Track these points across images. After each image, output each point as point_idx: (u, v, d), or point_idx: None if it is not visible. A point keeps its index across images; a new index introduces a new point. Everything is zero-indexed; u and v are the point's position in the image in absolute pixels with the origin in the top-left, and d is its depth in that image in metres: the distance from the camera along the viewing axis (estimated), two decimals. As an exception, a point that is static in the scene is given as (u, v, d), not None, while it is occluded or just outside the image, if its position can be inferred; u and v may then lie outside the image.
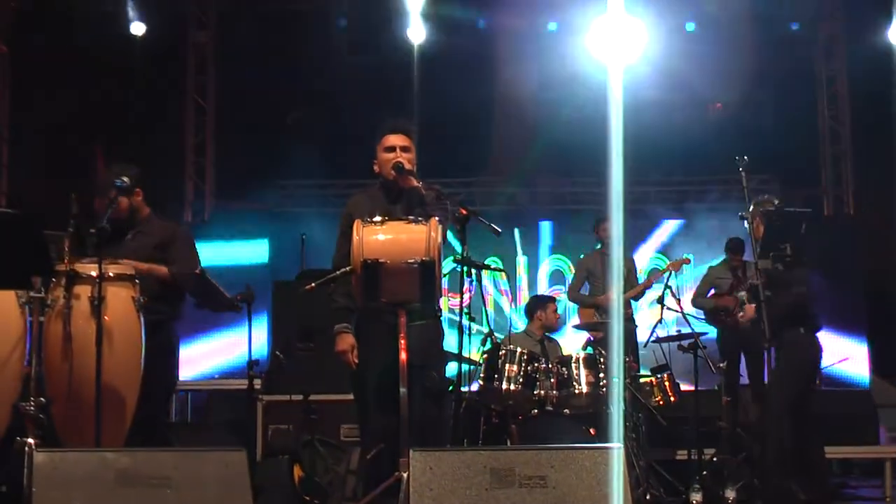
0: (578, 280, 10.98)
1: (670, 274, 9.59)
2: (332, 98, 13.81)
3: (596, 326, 9.91)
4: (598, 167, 13.17)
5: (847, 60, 14.34)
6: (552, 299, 10.04)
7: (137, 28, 13.54)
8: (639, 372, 8.78)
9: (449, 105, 13.31)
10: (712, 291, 10.83)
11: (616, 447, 5.14)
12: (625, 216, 9.41)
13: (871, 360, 12.96)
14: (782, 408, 7.42)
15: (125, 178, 6.90)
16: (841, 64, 14.41)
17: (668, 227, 13.99)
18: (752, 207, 7.44)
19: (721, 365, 9.07)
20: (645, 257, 13.53)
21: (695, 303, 10.75)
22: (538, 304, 9.69)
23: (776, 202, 7.44)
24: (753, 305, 7.45)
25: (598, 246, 10.84)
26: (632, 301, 10.53)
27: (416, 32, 13.54)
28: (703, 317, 10.56)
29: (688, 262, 11.33)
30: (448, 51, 13.65)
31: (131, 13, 13.42)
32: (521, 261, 14.07)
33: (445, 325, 6.46)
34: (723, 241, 10.91)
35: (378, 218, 5.64)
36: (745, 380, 10.32)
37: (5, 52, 13.86)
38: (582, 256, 11.44)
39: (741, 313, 8.88)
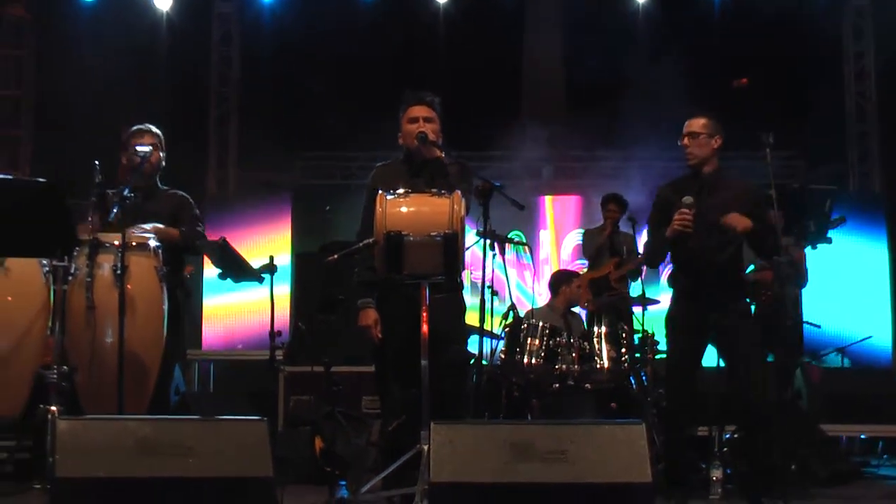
0: (590, 254, 11.00)
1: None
2: (358, 68, 13.76)
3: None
4: (626, 140, 13.26)
5: (875, 36, 14.23)
6: (577, 274, 10.03)
7: (163, 4, 13.54)
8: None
9: (475, 74, 13.28)
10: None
11: (637, 423, 5.13)
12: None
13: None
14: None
15: (146, 149, 6.91)
16: (869, 40, 14.30)
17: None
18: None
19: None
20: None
21: None
22: (563, 279, 9.66)
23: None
24: None
25: (602, 224, 10.91)
26: (629, 278, 10.51)
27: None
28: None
29: None
30: (475, 16, 13.62)
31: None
32: (546, 235, 14.04)
33: (467, 298, 6.44)
34: None
35: (401, 190, 5.63)
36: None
37: (29, 18, 13.89)
38: (587, 231, 11.47)
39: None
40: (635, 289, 9.90)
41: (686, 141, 6.87)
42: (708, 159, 6.88)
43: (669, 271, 7.36)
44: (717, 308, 6.71)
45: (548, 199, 14.14)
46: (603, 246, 10.73)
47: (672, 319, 7.01)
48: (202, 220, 7.38)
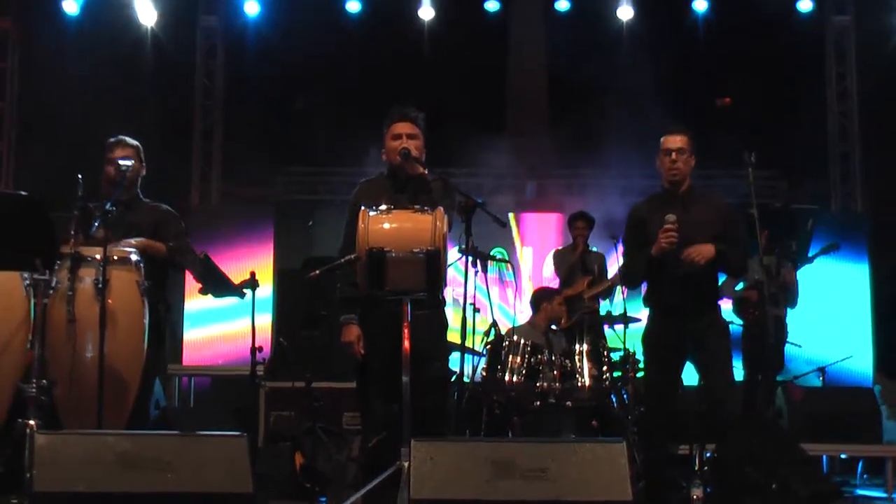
0: (560, 273, 11.02)
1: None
2: (341, 84, 13.78)
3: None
4: (610, 158, 13.29)
5: (857, 57, 14.31)
6: (558, 292, 10.03)
7: (148, 18, 13.54)
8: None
9: (459, 91, 13.33)
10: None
11: (618, 441, 5.14)
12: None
13: (876, 359, 12.95)
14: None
15: (129, 163, 6.90)
16: (850, 60, 14.38)
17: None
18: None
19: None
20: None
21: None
22: (544, 296, 9.67)
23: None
24: None
25: (572, 242, 10.94)
26: (601, 297, 10.54)
27: (426, 12, 13.61)
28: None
29: None
30: (459, 34, 13.68)
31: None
32: (528, 252, 14.05)
33: (449, 315, 6.43)
34: None
35: (384, 206, 5.63)
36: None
37: (14, 31, 13.89)
38: (556, 250, 11.47)
39: None
40: (617, 307, 9.92)
41: (674, 156, 6.85)
42: (687, 176, 6.90)
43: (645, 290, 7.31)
44: (695, 323, 6.72)
45: (530, 216, 14.15)
46: (575, 265, 10.75)
47: (649, 338, 7.02)
48: (187, 234, 7.35)
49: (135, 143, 7.21)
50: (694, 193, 6.95)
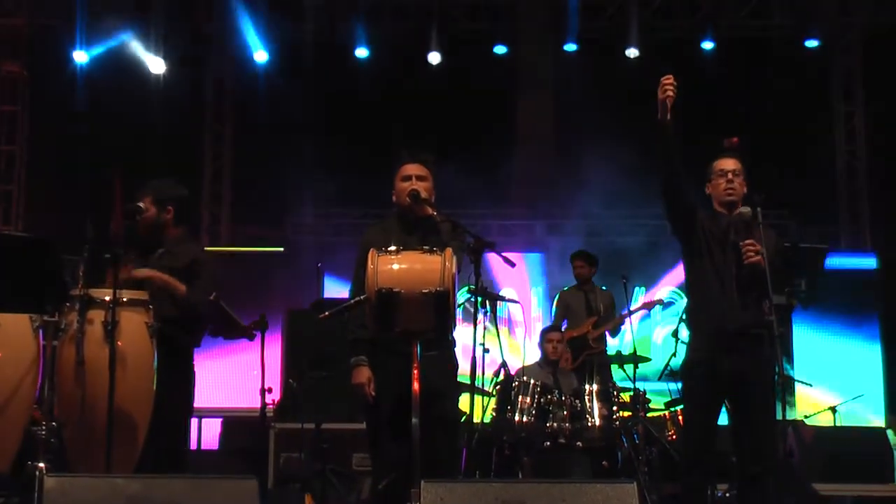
0: (559, 315, 11.00)
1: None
2: (350, 128, 13.83)
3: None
4: (621, 199, 13.32)
5: (864, 96, 14.35)
6: (553, 328, 9.86)
7: (157, 67, 13.65)
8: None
9: (468, 133, 13.37)
10: None
11: (628, 482, 5.11)
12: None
13: (888, 397, 12.90)
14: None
15: (140, 204, 6.87)
16: (858, 100, 14.42)
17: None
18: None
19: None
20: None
21: None
22: (544, 333, 9.64)
23: None
24: None
25: (576, 282, 10.94)
26: (608, 335, 10.52)
27: (434, 56, 13.67)
28: None
29: (661, 302, 11.33)
30: (467, 78, 13.75)
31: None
32: (537, 293, 14.04)
33: (459, 356, 6.41)
34: None
35: (393, 247, 5.63)
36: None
37: (25, 75, 13.99)
38: (561, 292, 11.43)
39: None
40: (626, 347, 9.90)
41: (730, 176, 6.70)
42: (741, 198, 6.74)
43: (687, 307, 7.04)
44: (738, 358, 6.39)
45: (539, 256, 14.15)
46: (579, 305, 10.73)
47: (689, 368, 6.65)
48: (215, 280, 7.20)
49: (153, 186, 7.10)
50: (747, 220, 6.70)
